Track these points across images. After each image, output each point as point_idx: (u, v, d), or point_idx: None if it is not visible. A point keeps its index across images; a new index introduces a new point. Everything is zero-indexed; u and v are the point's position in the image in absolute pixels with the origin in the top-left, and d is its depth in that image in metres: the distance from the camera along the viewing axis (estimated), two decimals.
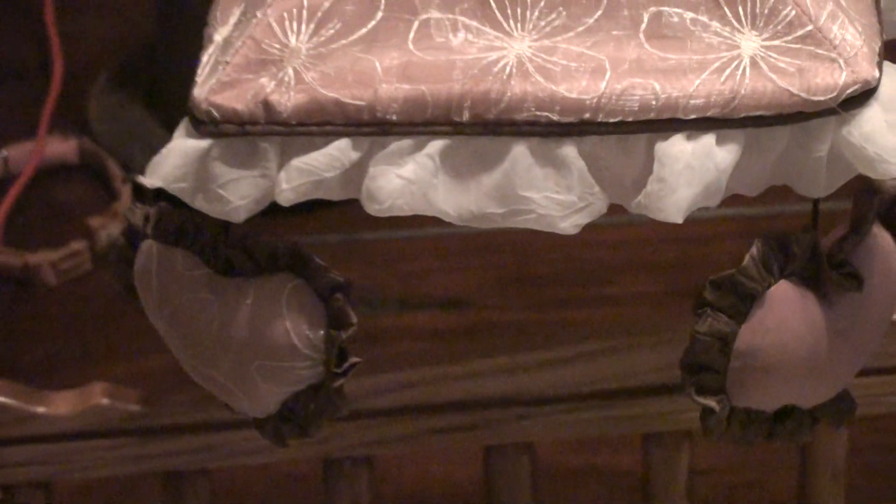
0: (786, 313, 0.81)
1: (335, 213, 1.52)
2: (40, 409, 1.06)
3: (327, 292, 0.81)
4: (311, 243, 1.51)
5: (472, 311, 1.45)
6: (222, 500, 1.14)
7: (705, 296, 0.80)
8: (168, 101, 1.56)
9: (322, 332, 0.81)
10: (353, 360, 0.81)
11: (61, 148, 1.60)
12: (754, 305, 0.80)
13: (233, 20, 0.76)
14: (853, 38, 0.73)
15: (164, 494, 1.13)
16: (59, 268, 1.50)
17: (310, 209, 1.47)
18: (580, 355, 1.08)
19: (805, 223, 0.83)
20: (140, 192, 0.87)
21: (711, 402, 0.82)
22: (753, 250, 0.80)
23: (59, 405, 1.07)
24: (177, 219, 0.82)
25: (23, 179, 1.55)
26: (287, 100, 0.72)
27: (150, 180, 0.75)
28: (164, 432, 1.08)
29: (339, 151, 0.74)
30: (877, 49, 0.75)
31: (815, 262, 0.82)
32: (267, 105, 0.72)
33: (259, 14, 0.73)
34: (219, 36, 0.76)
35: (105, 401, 1.07)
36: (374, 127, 0.73)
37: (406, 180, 0.74)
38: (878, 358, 1.00)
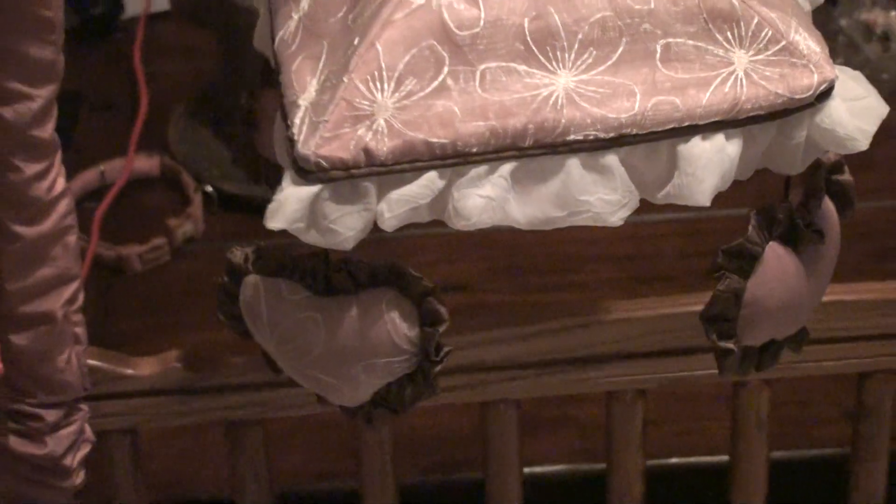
0: (777, 268, 0.86)
1: None
2: (127, 371, 1.07)
3: (420, 297, 0.83)
4: (367, 239, 1.53)
5: (471, 294, 1.47)
6: (273, 444, 1.15)
7: (720, 262, 0.85)
8: (229, 127, 1.57)
9: (417, 330, 0.83)
10: (447, 349, 0.84)
11: (146, 164, 1.62)
12: (756, 264, 0.85)
13: (313, 88, 0.75)
14: (814, 46, 0.78)
15: (226, 440, 1.14)
16: (143, 258, 1.51)
17: None
18: (556, 329, 1.09)
19: (752, 210, 0.86)
20: (210, 201, 0.89)
21: (731, 345, 0.87)
22: (753, 221, 0.85)
23: (142, 368, 1.08)
24: (276, 254, 0.84)
25: (116, 188, 1.56)
26: (383, 145, 0.73)
27: (273, 224, 0.74)
28: (225, 390, 1.09)
29: (429, 182, 0.75)
30: (827, 52, 0.79)
31: (793, 224, 0.86)
32: (367, 151, 0.73)
33: (345, 79, 0.73)
34: (304, 101, 0.75)
35: (178, 364, 1.08)
36: (456, 159, 0.74)
37: (486, 198, 0.75)
38: None
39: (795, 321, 0.91)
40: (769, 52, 0.78)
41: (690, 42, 0.77)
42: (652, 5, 0.76)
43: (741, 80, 0.77)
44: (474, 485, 1.19)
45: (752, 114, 0.78)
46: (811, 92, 0.78)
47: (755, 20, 0.77)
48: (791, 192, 0.90)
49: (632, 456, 1.17)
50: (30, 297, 0.92)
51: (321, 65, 0.76)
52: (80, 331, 0.97)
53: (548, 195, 0.77)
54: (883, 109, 0.81)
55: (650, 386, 1.14)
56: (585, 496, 1.22)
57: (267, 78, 0.95)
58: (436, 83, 0.74)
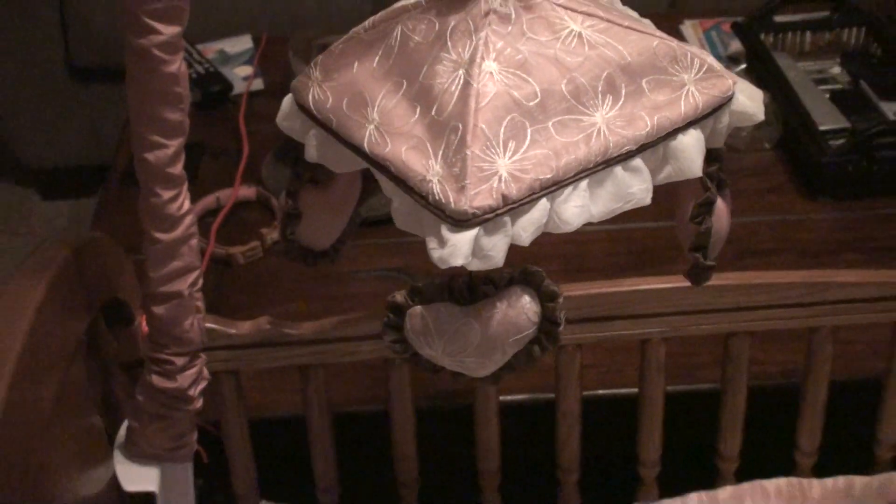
0: (721, 207, 0.89)
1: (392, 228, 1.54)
2: (232, 331, 1.07)
3: (540, 283, 0.83)
4: (384, 244, 1.53)
5: None
6: (330, 379, 1.15)
7: (697, 210, 0.87)
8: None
9: (539, 307, 0.83)
10: (563, 313, 0.84)
11: (247, 192, 1.61)
12: (713, 208, 0.87)
13: (437, 167, 0.73)
14: (718, 63, 0.82)
15: (300, 378, 1.13)
16: (244, 255, 1.51)
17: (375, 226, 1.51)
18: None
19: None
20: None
21: (711, 263, 0.90)
22: (711, 187, 0.87)
23: (242, 328, 1.07)
24: (429, 288, 0.83)
25: (226, 208, 1.57)
26: (511, 190, 0.72)
27: (454, 263, 0.72)
28: (298, 343, 1.09)
29: (543, 206, 0.74)
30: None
31: (719, 181, 0.88)
32: (504, 196, 0.72)
33: (468, 153, 0.72)
34: (433, 177, 0.73)
35: (267, 326, 1.08)
36: (555, 186, 0.74)
37: (578, 207, 0.76)
38: None
39: (720, 245, 0.93)
40: (701, 72, 0.80)
41: (660, 76, 0.79)
42: (629, 59, 0.77)
43: (693, 93, 0.79)
44: (467, 408, 1.19)
45: (704, 113, 0.80)
46: (730, 91, 0.81)
47: (688, 55, 0.80)
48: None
49: (573, 389, 1.17)
50: (165, 281, 0.92)
51: (430, 151, 0.74)
52: (199, 304, 0.97)
53: (608, 194, 0.77)
54: (759, 92, 0.84)
55: (585, 342, 1.13)
56: (541, 416, 1.21)
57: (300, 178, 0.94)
58: (528, 140, 0.74)
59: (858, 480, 1.24)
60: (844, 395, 1.23)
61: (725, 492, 1.25)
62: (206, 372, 1.00)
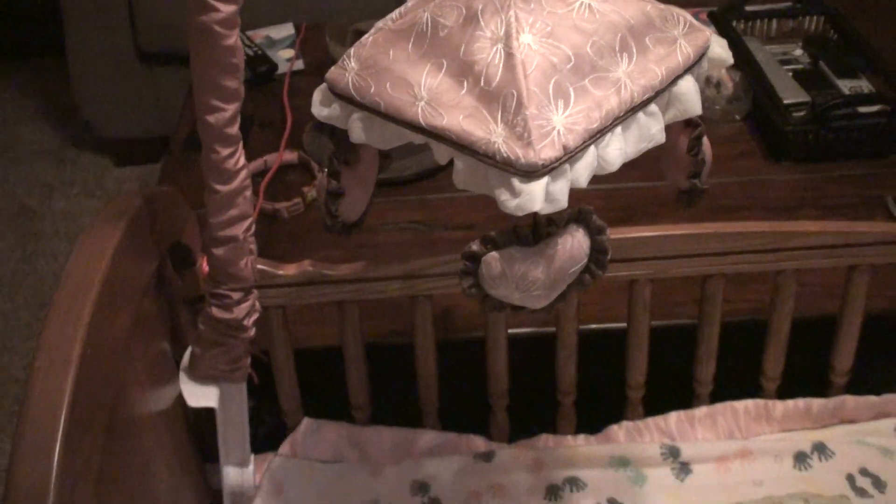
0: (706, 140, 0.91)
1: (416, 187, 1.54)
2: (279, 272, 1.07)
3: (589, 219, 0.84)
4: (406, 200, 1.53)
5: (477, 231, 1.44)
6: (364, 314, 1.14)
7: (692, 143, 0.89)
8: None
9: (589, 240, 0.84)
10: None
11: (290, 156, 1.60)
12: (700, 143, 0.90)
13: (499, 129, 0.72)
14: (692, 18, 0.82)
15: (338, 313, 1.13)
16: (288, 210, 1.50)
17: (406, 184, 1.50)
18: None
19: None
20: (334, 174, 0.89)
21: (705, 187, 0.93)
22: (700, 123, 0.89)
23: (288, 270, 1.08)
24: (503, 234, 0.83)
25: (272, 170, 1.56)
26: (569, 140, 0.72)
27: (532, 209, 0.72)
28: (336, 282, 1.09)
29: (592, 152, 0.75)
30: None
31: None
32: (564, 147, 0.72)
33: (527, 113, 0.71)
34: (497, 138, 0.72)
35: (310, 268, 1.08)
36: (599, 134, 0.74)
37: (617, 149, 0.76)
38: None
39: (708, 171, 0.95)
40: (686, 28, 0.81)
41: (658, 34, 0.79)
42: (632, 22, 0.78)
43: (684, 45, 0.80)
44: (479, 340, 1.18)
45: (694, 61, 0.80)
46: (708, 42, 0.82)
47: (674, 14, 0.81)
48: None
49: (571, 324, 1.17)
50: (224, 227, 0.92)
51: (488, 117, 0.73)
52: (253, 247, 0.96)
53: (635, 137, 0.77)
54: (725, 41, 0.84)
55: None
56: (543, 347, 1.21)
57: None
58: (572, 98, 0.73)
59: (816, 402, 1.24)
60: (804, 330, 1.22)
61: (701, 411, 1.24)
62: (258, 305, 1.00)
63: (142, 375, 0.90)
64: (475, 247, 0.83)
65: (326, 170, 0.94)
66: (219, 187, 0.88)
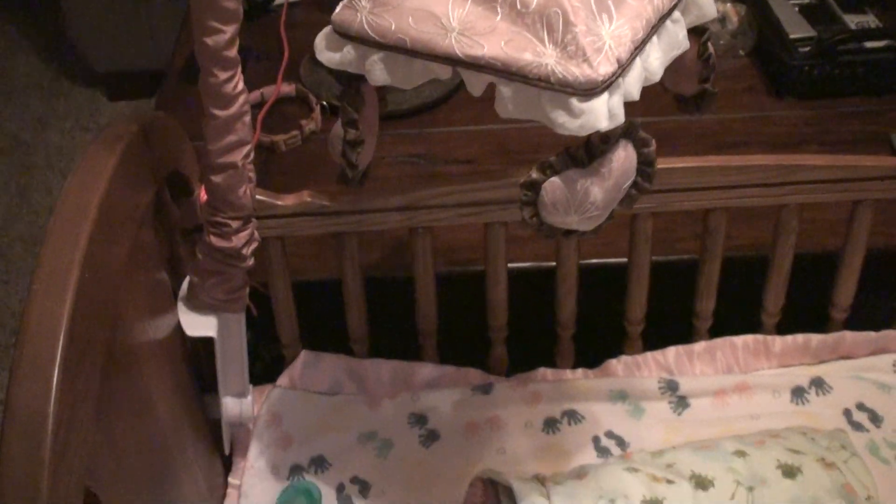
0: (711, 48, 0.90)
1: (415, 120, 1.52)
2: (278, 202, 1.06)
3: (636, 133, 0.82)
4: (406, 134, 1.50)
5: (476, 165, 1.43)
6: (363, 247, 1.13)
7: (702, 48, 0.88)
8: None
9: (636, 153, 0.83)
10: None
11: (287, 88, 1.57)
12: (709, 47, 0.89)
13: (549, 51, 0.71)
14: None
15: (336, 244, 1.12)
16: (286, 143, 1.48)
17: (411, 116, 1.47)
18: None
19: None
20: (324, 109, 0.86)
21: (716, 90, 0.91)
22: (708, 32, 0.88)
23: (286, 200, 1.06)
24: (560, 158, 0.81)
25: (270, 102, 1.53)
26: (620, 53, 0.71)
27: (599, 127, 0.71)
28: (335, 214, 1.07)
29: (638, 63, 0.74)
30: None
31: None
32: (617, 60, 0.70)
33: (576, 31, 0.70)
34: (550, 60, 0.70)
35: (308, 199, 1.06)
36: (643, 43, 0.74)
37: (658, 59, 0.77)
38: None
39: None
40: None
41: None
42: None
43: None
44: (479, 273, 1.17)
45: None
46: None
47: None
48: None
49: (571, 258, 1.15)
50: (222, 153, 0.90)
51: (533, 40, 0.71)
52: (251, 175, 0.95)
53: (667, 45, 0.77)
54: None
55: None
56: (542, 281, 1.20)
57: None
58: (613, 11, 0.72)
59: (815, 338, 1.24)
60: (805, 266, 1.21)
61: (700, 346, 1.24)
62: (256, 234, 0.98)
63: (140, 304, 0.89)
64: (534, 174, 0.82)
65: (341, 119, 0.91)
66: (217, 112, 0.87)
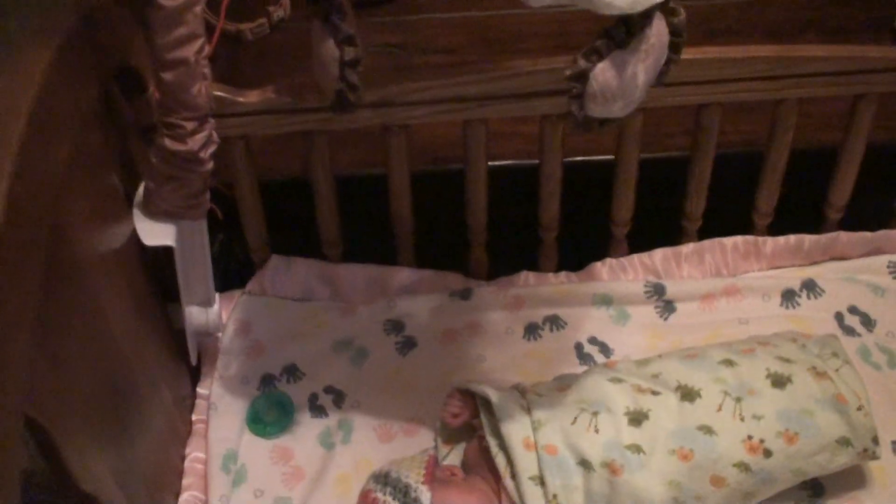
0: None
1: (391, 7, 1.42)
2: (240, 99, 0.98)
3: (666, 3, 0.77)
4: (384, 22, 1.40)
5: (458, 56, 1.34)
6: (333, 145, 1.06)
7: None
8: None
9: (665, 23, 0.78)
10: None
11: None
12: None
13: None
14: None
15: (304, 143, 1.05)
16: (253, 31, 1.39)
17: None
18: (510, 75, 0.99)
19: None
20: None
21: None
22: None
23: (250, 97, 0.98)
24: (603, 43, 0.76)
25: None
26: None
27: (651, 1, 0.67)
28: (305, 111, 1.00)
29: None
30: None
31: None
32: None
33: None
34: None
35: (273, 95, 0.99)
36: None
37: None
38: None
39: None
40: None
41: None
42: None
43: None
44: (458, 172, 1.10)
45: None
46: None
47: None
48: None
49: (555, 155, 1.09)
50: (172, 48, 0.82)
51: None
52: (206, 71, 0.87)
53: None
54: None
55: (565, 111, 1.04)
56: (526, 180, 1.14)
57: None
58: None
59: (808, 238, 1.18)
60: (801, 163, 1.14)
61: (688, 248, 1.18)
62: (215, 136, 0.90)
63: (87, 212, 0.82)
64: (581, 63, 0.76)
65: (333, 38, 0.82)
66: (164, 2, 0.78)
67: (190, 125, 0.86)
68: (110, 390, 0.84)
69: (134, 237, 0.93)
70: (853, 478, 0.99)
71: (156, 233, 0.93)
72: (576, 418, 0.95)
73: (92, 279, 0.82)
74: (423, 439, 1.05)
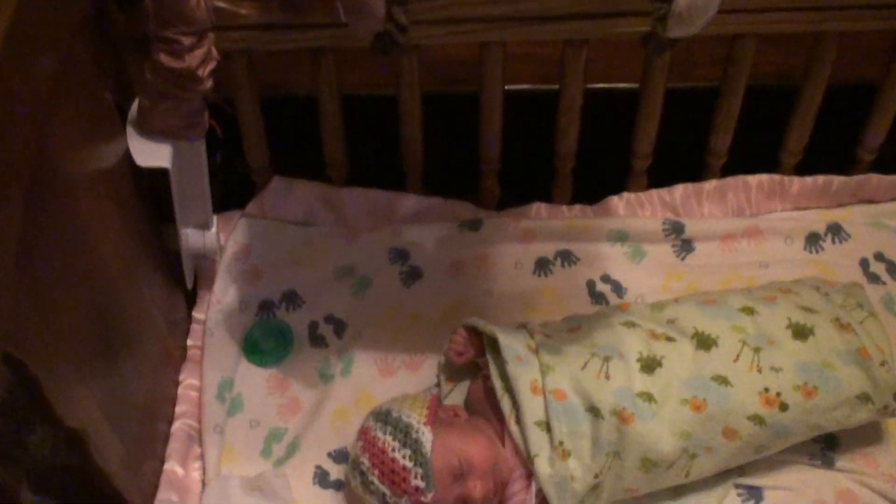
0: None
1: None
2: (242, 11, 0.91)
3: None
4: None
5: None
6: (341, 64, 1.00)
7: None
8: None
9: None
10: None
11: None
12: None
13: None
14: None
15: (311, 60, 0.99)
16: None
17: None
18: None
19: None
20: None
21: None
22: None
23: (251, 9, 0.91)
24: None
25: None
26: None
27: None
28: (311, 27, 0.94)
29: None
30: None
31: None
32: None
33: None
34: None
35: (278, 8, 0.92)
36: None
37: None
38: None
39: None
40: None
41: None
42: None
43: None
44: (472, 94, 1.04)
45: None
46: None
47: None
48: None
49: (577, 82, 1.03)
50: None
51: None
52: None
53: None
54: None
55: (591, 36, 0.97)
56: (544, 106, 1.08)
57: None
58: None
59: (837, 179, 1.12)
60: (835, 100, 1.08)
61: (710, 184, 1.13)
62: (214, 52, 0.84)
63: (75, 131, 0.76)
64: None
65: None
66: None
67: (187, 40, 0.80)
68: (98, 318, 0.80)
69: (127, 156, 0.87)
70: (869, 432, 0.96)
71: (150, 153, 0.87)
72: (586, 363, 0.91)
73: (79, 201, 0.76)
74: (426, 375, 1.01)
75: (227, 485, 0.92)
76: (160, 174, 0.90)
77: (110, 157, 0.85)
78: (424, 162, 1.10)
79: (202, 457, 0.96)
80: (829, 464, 0.95)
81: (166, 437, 0.95)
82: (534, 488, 0.89)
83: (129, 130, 0.87)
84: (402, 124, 1.06)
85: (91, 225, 0.79)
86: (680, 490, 0.93)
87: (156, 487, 0.91)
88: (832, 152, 1.12)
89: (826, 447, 0.96)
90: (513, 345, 0.93)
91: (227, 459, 0.96)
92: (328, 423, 0.98)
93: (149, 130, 0.87)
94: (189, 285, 1.03)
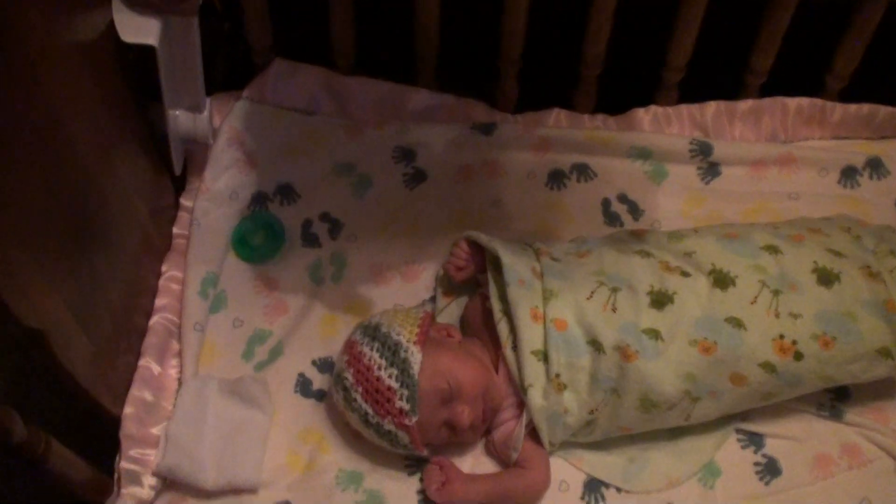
0: None
1: None
2: None
3: None
4: None
5: None
6: None
7: None
8: None
9: None
10: None
11: None
12: None
13: None
14: None
15: None
16: None
17: None
18: None
19: None
20: None
21: None
22: None
23: None
24: None
25: None
26: None
27: None
28: None
29: None
30: None
31: None
32: None
33: None
34: None
35: None
36: None
37: None
38: None
39: None
40: None
41: None
42: None
43: None
44: None
45: None
46: None
47: None
48: None
49: None
50: None
51: None
52: None
53: None
54: None
55: None
56: (575, 4, 0.98)
57: None
58: None
59: (883, 109, 1.04)
60: (891, 21, 0.98)
61: (746, 104, 1.04)
62: None
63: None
64: None
65: None
66: None
67: None
68: (66, 205, 0.73)
69: (110, 29, 0.79)
70: (882, 387, 0.90)
71: (137, 28, 0.79)
72: (592, 293, 0.85)
73: (47, 75, 0.69)
74: (423, 287, 0.96)
75: (205, 386, 0.88)
76: (148, 50, 0.83)
77: (89, 29, 0.76)
78: (439, 55, 1.02)
79: (180, 354, 0.91)
80: (837, 416, 0.90)
81: (143, 331, 0.90)
82: (524, 419, 0.84)
83: (115, 1, 0.79)
84: (417, 9, 0.97)
85: (60, 103, 0.71)
86: (677, 431, 0.88)
87: (129, 384, 0.87)
88: (882, 80, 1.03)
89: (836, 398, 0.91)
90: (516, 266, 0.87)
91: (207, 359, 0.91)
92: (315, 330, 0.93)
93: (136, 2, 0.79)
94: (177, 171, 0.96)
